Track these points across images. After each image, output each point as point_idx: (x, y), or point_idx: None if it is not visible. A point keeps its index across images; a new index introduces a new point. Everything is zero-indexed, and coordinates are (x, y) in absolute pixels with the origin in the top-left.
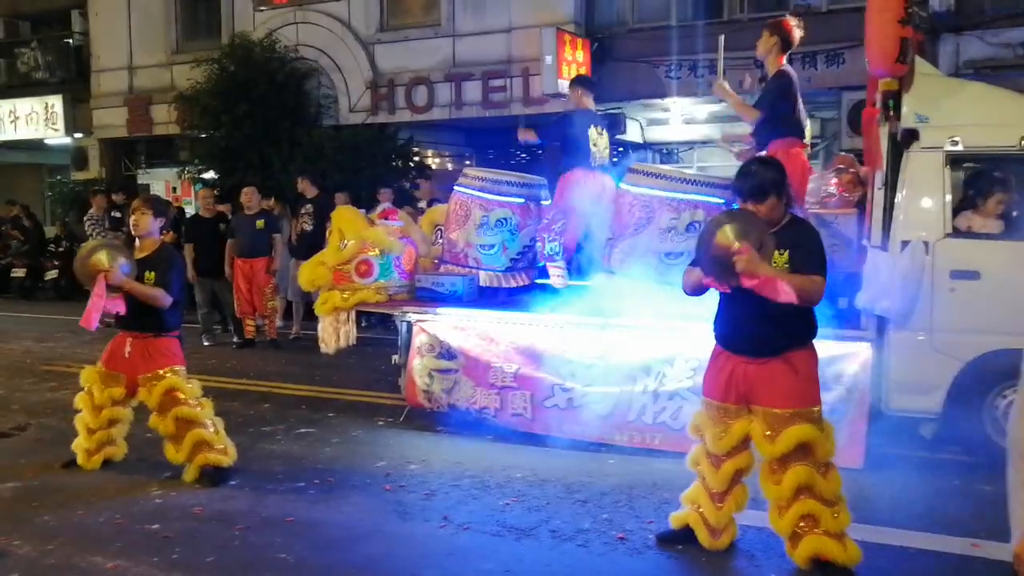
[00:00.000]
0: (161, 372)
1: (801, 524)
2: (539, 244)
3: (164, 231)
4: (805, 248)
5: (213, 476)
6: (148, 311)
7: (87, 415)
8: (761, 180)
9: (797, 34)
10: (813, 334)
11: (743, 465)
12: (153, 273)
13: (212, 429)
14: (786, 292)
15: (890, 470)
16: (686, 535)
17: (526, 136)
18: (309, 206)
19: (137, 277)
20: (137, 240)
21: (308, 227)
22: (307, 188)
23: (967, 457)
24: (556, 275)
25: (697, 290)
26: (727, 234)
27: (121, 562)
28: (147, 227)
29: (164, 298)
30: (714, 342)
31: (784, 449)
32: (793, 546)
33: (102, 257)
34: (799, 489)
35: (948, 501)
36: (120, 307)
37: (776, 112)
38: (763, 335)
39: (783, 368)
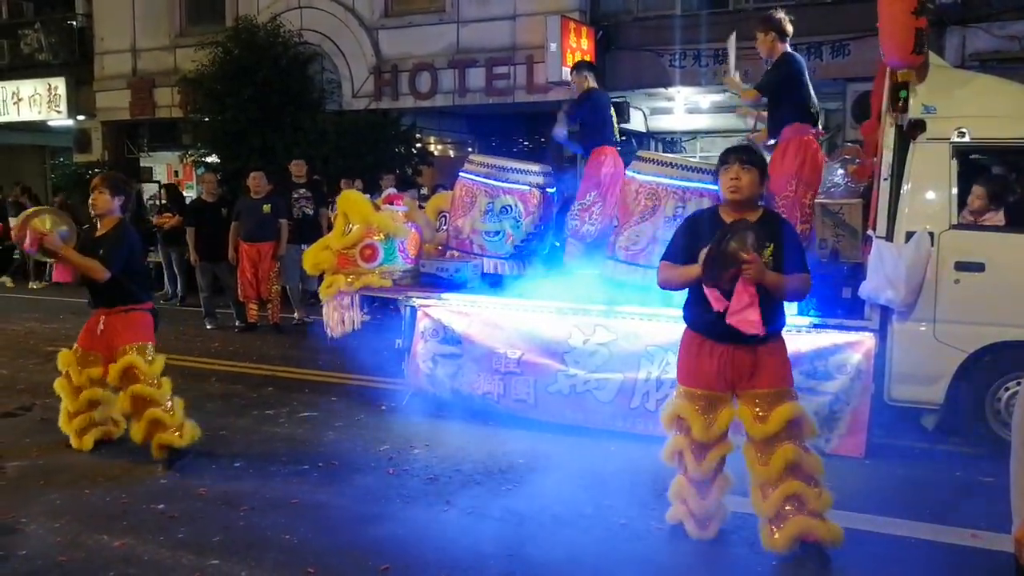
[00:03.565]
0: (123, 348)
1: (786, 507)
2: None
3: (127, 209)
4: (788, 245)
5: (168, 457)
6: (114, 285)
7: (66, 400)
8: (750, 148)
9: (788, 23)
10: (784, 322)
11: (726, 452)
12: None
13: (168, 408)
14: (757, 325)
15: (891, 460)
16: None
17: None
18: (304, 190)
19: (95, 254)
20: (97, 220)
21: (309, 211)
22: (300, 172)
23: (969, 448)
24: (571, 251)
25: (675, 287)
26: (737, 243)
27: (128, 540)
28: (105, 206)
29: (99, 271)
30: (688, 331)
31: (776, 427)
32: (775, 528)
33: (45, 220)
34: (787, 469)
35: (949, 492)
36: (66, 276)
37: (786, 99)
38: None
39: (766, 351)
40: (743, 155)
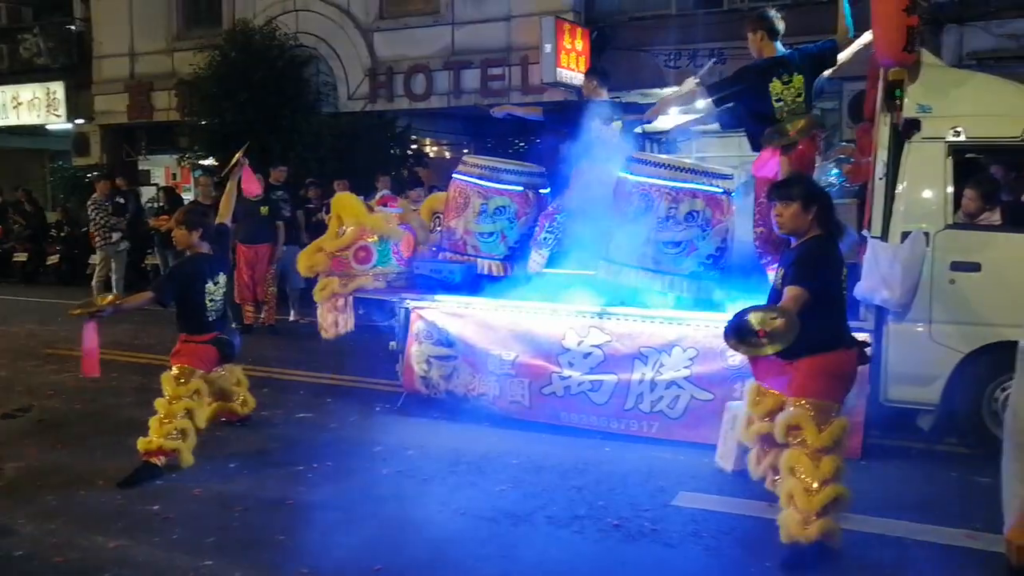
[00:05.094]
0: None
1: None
2: (536, 228)
3: (208, 237)
4: (797, 262)
5: (136, 473)
6: (177, 314)
7: None
8: (788, 183)
9: (778, 22)
10: (822, 343)
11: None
12: None
13: (165, 419)
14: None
15: (887, 461)
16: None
17: (501, 110)
18: (281, 192)
19: None
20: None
21: (287, 213)
22: (278, 175)
23: (965, 449)
24: (536, 261)
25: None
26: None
27: (123, 542)
28: (185, 241)
29: (144, 300)
30: None
31: (779, 431)
32: None
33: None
34: (788, 472)
35: (945, 492)
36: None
37: (745, 107)
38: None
39: (795, 367)
40: (780, 191)
